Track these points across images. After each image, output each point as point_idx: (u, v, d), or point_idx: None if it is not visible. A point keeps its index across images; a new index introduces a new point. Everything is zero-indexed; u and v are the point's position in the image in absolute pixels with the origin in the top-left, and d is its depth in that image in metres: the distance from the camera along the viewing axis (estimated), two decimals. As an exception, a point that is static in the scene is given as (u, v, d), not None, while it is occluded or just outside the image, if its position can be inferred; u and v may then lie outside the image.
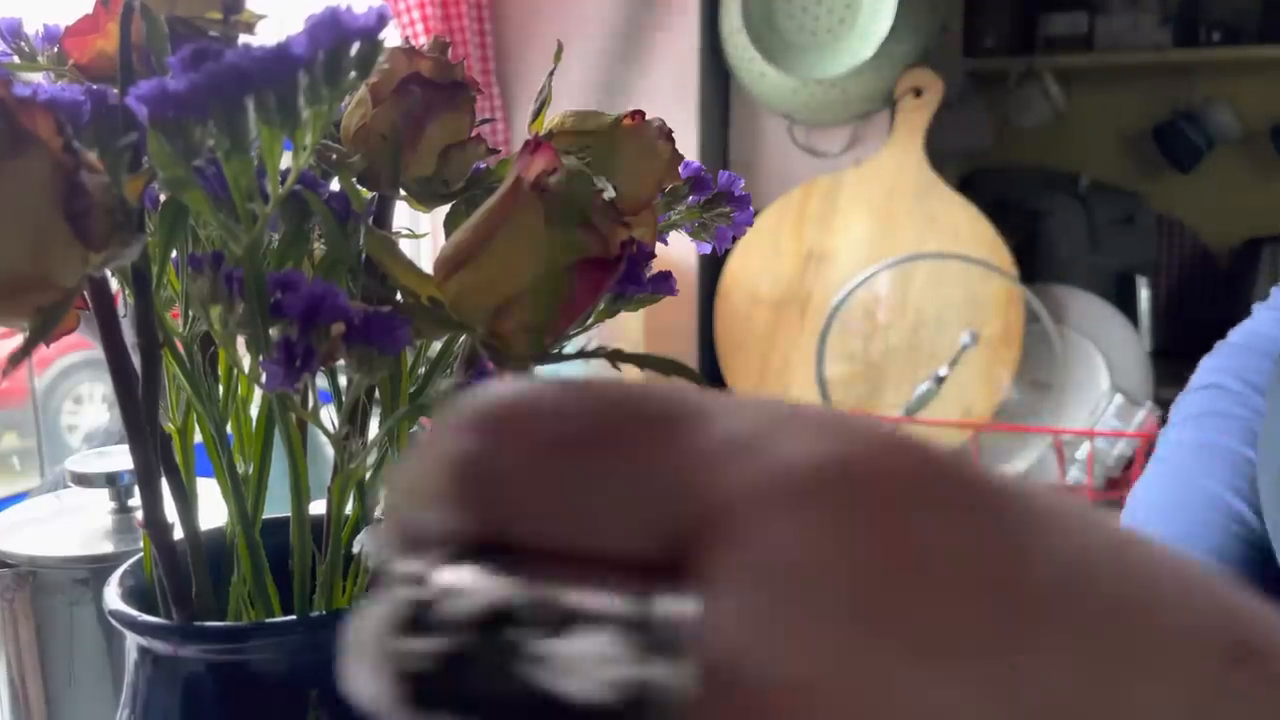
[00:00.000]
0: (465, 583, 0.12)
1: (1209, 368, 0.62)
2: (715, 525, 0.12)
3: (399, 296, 0.26)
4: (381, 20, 0.22)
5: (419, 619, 0.12)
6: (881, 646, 0.11)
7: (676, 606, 0.11)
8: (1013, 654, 0.12)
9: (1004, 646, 0.12)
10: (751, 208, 0.33)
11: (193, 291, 0.24)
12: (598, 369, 0.28)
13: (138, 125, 0.24)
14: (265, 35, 0.27)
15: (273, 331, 0.23)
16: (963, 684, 0.11)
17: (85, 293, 0.25)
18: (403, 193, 0.28)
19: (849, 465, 0.12)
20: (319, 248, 0.27)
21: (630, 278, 0.28)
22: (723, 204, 0.32)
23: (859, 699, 0.11)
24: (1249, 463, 0.54)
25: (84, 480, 0.52)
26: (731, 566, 0.12)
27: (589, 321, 0.29)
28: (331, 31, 0.22)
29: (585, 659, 0.11)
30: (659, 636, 0.11)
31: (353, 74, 0.22)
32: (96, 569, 0.49)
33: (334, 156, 0.27)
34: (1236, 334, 0.61)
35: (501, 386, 0.13)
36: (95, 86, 0.24)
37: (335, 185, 0.28)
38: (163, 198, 0.26)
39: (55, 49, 0.31)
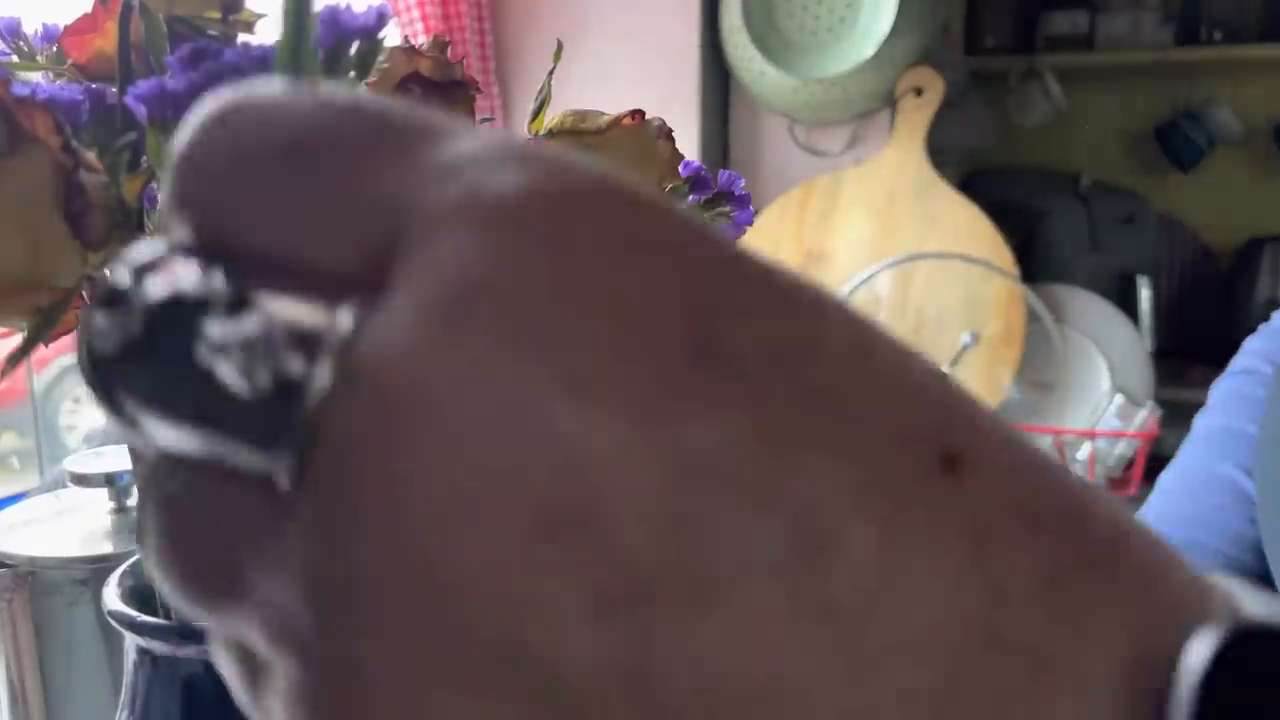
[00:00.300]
0: (169, 274, 0.12)
1: (1248, 351, 0.62)
2: (409, 239, 0.12)
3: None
4: (381, 19, 0.22)
5: (115, 300, 0.12)
6: (528, 374, 0.11)
7: (348, 313, 0.12)
8: (679, 418, 0.11)
9: (669, 408, 0.11)
10: (752, 207, 0.33)
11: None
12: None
13: (137, 125, 0.24)
14: (265, 34, 0.27)
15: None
16: (612, 435, 0.11)
17: (84, 292, 0.25)
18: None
19: (551, 196, 0.12)
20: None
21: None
22: (723, 203, 0.32)
23: (493, 418, 0.11)
24: None
25: (83, 480, 0.52)
26: (404, 275, 0.11)
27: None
28: (331, 30, 0.22)
29: (241, 346, 0.12)
30: (323, 337, 0.12)
31: (352, 73, 0.22)
32: (95, 569, 0.49)
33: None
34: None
35: (238, 88, 0.13)
36: (94, 86, 0.24)
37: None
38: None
39: (54, 48, 0.31)
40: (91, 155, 0.24)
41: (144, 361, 0.12)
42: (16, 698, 0.51)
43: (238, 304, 0.12)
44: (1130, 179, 2.11)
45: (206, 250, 0.13)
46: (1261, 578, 0.52)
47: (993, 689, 0.11)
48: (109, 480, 0.52)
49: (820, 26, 1.48)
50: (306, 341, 0.12)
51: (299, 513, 0.12)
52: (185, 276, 0.12)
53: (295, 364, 0.12)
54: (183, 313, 0.12)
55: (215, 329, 0.12)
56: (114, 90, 0.25)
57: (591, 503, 0.11)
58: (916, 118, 1.46)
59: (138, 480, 0.15)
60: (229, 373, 0.12)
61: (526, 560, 0.11)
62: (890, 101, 1.49)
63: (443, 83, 0.26)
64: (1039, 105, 2.02)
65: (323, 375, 0.11)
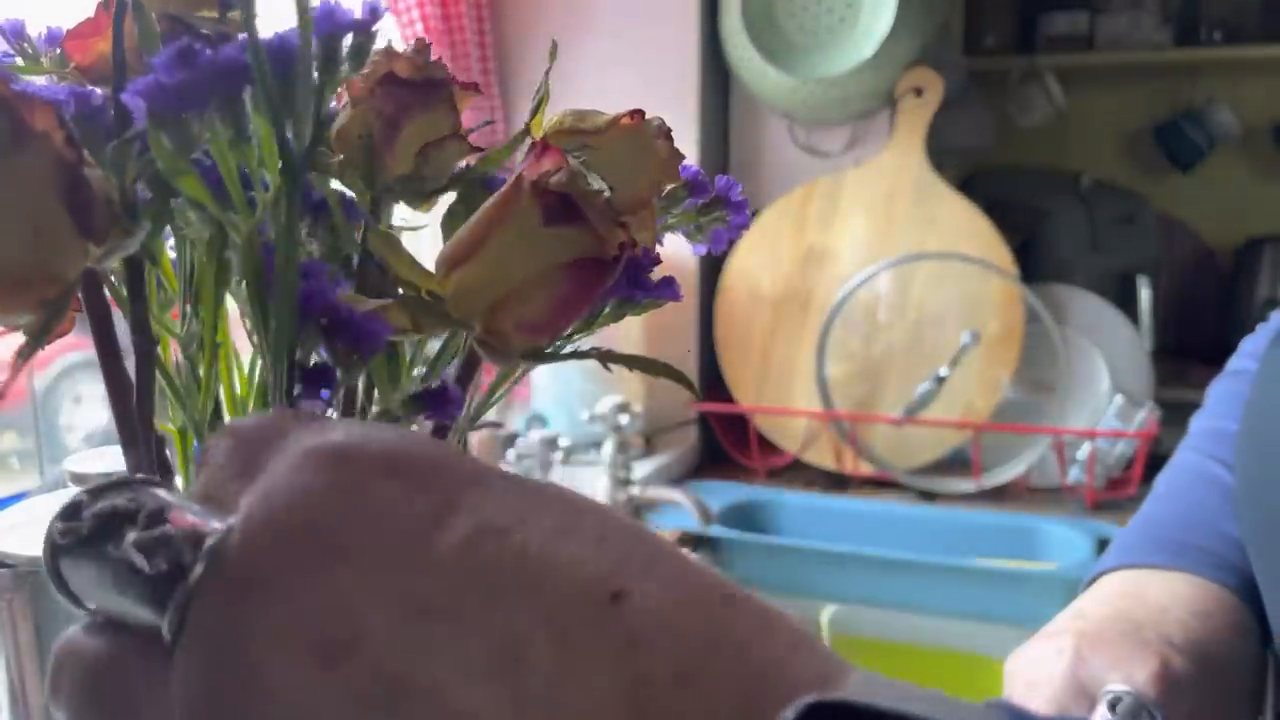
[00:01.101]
0: (110, 498, 0.20)
1: (1242, 351, 0.62)
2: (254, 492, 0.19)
3: (400, 291, 0.26)
4: (374, 14, 0.23)
5: (73, 512, 0.20)
6: (318, 561, 0.17)
7: (222, 525, 0.19)
8: (411, 576, 0.17)
9: (410, 572, 0.17)
10: (748, 211, 0.33)
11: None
12: (592, 368, 0.28)
13: (126, 124, 0.24)
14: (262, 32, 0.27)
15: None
16: (371, 593, 0.17)
17: (80, 293, 0.25)
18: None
19: (337, 447, 0.19)
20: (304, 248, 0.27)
21: (636, 283, 0.28)
22: (720, 208, 0.32)
23: (294, 593, 0.17)
24: None
25: (83, 480, 0.52)
26: (243, 509, 0.19)
27: (595, 324, 0.29)
28: (327, 24, 0.23)
29: (149, 544, 0.19)
30: (205, 539, 0.19)
31: (345, 66, 0.23)
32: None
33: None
34: (1277, 317, 0.61)
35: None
36: (79, 87, 0.24)
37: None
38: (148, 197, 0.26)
39: (58, 51, 0.31)
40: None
41: (87, 551, 0.19)
42: (16, 698, 0.51)
43: (154, 519, 0.19)
44: (1130, 179, 2.12)
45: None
46: (1249, 575, 0.52)
47: None
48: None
49: (820, 26, 1.48)
50: (195, 541, 0.18)
51: (177, 658, 0.18)
52: (121, 498, 0.19)
53: (187, 555, 0.18)
54: (115, 521, 0.19)
55: (132, 534, 0.19)
56: (100, 91, 0.25)
57: (355, 637, 0.17)
58: (916, 118, 1.46)
59: (57, 644, 0.20)
60: (138, 559, 0.18)
61: (318, 679, 0.17)
62: (890, 102, 1.49)
63: (418, 83, 0.26)
64: (1039, 105, 2.02)
65: (200, 565, 0.18)
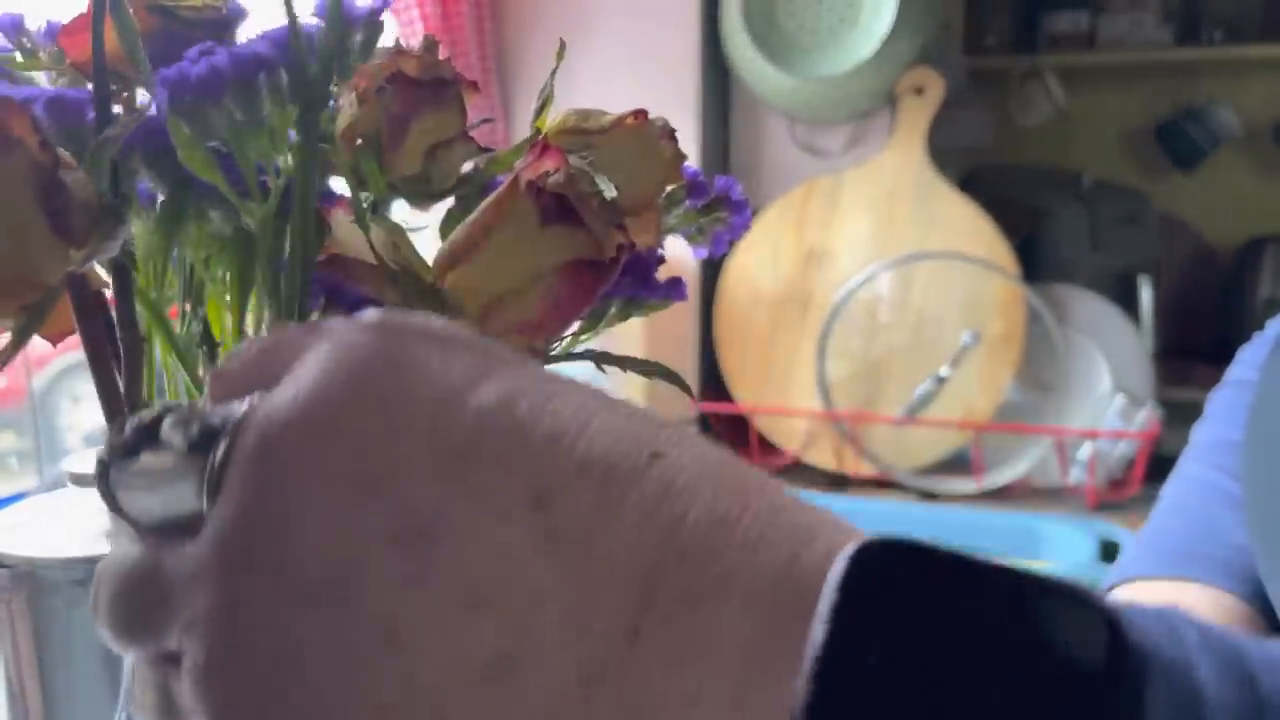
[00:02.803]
0: (147, 415, 0.20)
1: (1242, 360, 0.62)
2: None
3: (399, 284, 0.26)
4: (383, 4, 0.23)
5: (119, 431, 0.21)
6: (349, 416, 0.18)
7: (246, 404, 0.19)
8: (450, 429, 0.17)
9: (442, 426, 0.18)
10: (748, 211, 0.33)
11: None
12: (588, 370, 0.28)
13: (97, 124, 0.24)
14: (251, 28, 0.27)
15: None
16: (404, 443, 0.17)
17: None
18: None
19: (378, 318, 0.19)
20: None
21: (643, 284, 0.28)
22: (720, 209, 0.32)
23: (325, 438, 0.18)
24: None
25: (82, 480, 0.52)
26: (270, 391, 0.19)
27: (601, 325, 0.29)
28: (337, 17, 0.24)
29: (183, 420, 0.19)
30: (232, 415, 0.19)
31: (356, 56, 0.23)
32: (95, 569, 0.49)
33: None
34: (1274, 325, 0.61)
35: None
36: (49, 89, 0.24)
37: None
38: (161, 196, 0.26)
39: (55, 47, 0.31)
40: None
41: (131, 456, 0.20)
42: (16, 698, 0.51)
43: (190, 411, 0.20)
44: (1131, 179, 2.11)
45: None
46: (1260, 582, 0.52)
47: (679, 589, 0.16)
48: (108, 480, 0.52)
49: (820, 26, 1.47)
50: (225, 417, 0.19)
51: (209, 523, 0.18)
52: (163, 406, 0.20)
53: (219, 425, 0.19)
54: (156, 426, 0.20)
55: (167, 425, 0.19)
56: (71, 93, 0.25)
57: (383, 476, 0.17)
58: (917, 117, 1.46)
59: (99, 565, 0.21)
60: (177, 436, 0.19)
61: (346, 514, 0.17)
62: (891, 101, 1.48)
63: (427, 81, 0.26)
64: (1040, 105, 2.02)
65: (233, 425, 0.18)
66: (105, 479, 0.21)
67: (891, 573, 0.15)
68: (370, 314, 0.19)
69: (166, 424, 0.19)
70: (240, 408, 0.19)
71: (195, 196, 0.25)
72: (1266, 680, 0.16)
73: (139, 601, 0.19)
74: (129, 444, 0.20)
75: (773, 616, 0.16)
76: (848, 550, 0.16)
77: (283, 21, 0.23)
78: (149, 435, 0.20)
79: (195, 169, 0.23)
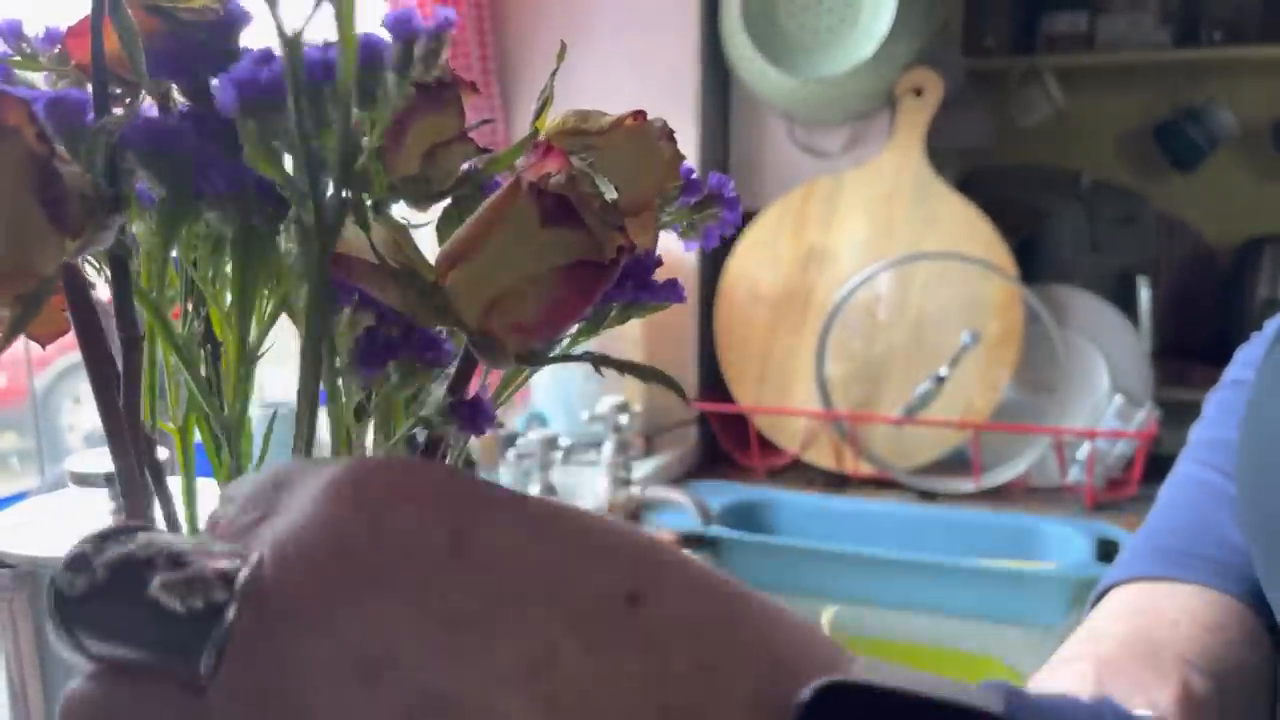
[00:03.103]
0: (120, 544, 0.19)
1: (1239, 361, 0.62)
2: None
3: (400, 283, 0.26)
4: (447, 22, 0.25)
5: (78, 562, 0.19)
6: (350, 587, 0.18)
7: (252, 563, 0.19)
8: (441, 594, 0.18)
9: (435, 586, 0.18)
10: (741, 209, 0.33)
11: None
12: (585, 371, 0.28)
13: (110, 113, 0.24)
14: (255, 33, 0.28)
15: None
16: (397, 612, 0.18)
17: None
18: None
19: (350, 478, 0.19)
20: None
21: (642, 286, 0.28)
22: (713, 205, 0.32)
23: (330, 620, 0.18)
24: None
25: (83, 480, 0.52)
26: (268, 546, 0.19)
27: (601, 327, 0.29)
28: (405, 28, 0.25)
29: (179, 584, 0.18)
30: (235, 577, 0.19)
31: (419, 68, 0.25)
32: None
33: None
34: (1272, 324, 0.61)
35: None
36: (37, 90, 0.24)
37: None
38: (159, 195, 0.26)
39: (57, 50, 0.31)
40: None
41: (104, 600, 0.19)
42: (17, 697, 0.51)
43: (175, 562, 0.19)
44: (1130, 179, 2.12)
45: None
46: (1257, 581, 0.52)
47: None
48: (109, 480, 0.52)
49: (820, 27, 1.48)
50: (225, 579, 0.18)
51: (215, 691, 0.18)
52: (136, 544, 0.19)
53: (219, 594, 0.18)
54: (131, 568, 0.19)
55: (164, 574, 0.19)
56: (72, 93, 0.25)
57: (391, 656, 0.17)
58: (916, 118, 1.46)
59: (64, 697, 0.20)
60: (170, 600, 0.18)
61: (359, 698, 0.17)
62: (890, 102, 1.49)
63: (429, 83, 0.26)
64: (1039, 105, 2.02)
65: (235, 602, 0.18)
66: (62, 617, 0.19)
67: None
68: (346, 470, 0.20)
69: (155, 585, 0.18)
70: (240, 574, 0.18)
71: (194, 197, 0.26)
72: None
73: None
74: (97, 586, 0.19)
75: None
76: (802, 696, 0.18)
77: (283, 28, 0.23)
78: (120, 578, 0.19)
79: (259, 166, 0.24)
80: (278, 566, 0.18)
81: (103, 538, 0.19)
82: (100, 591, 0.19)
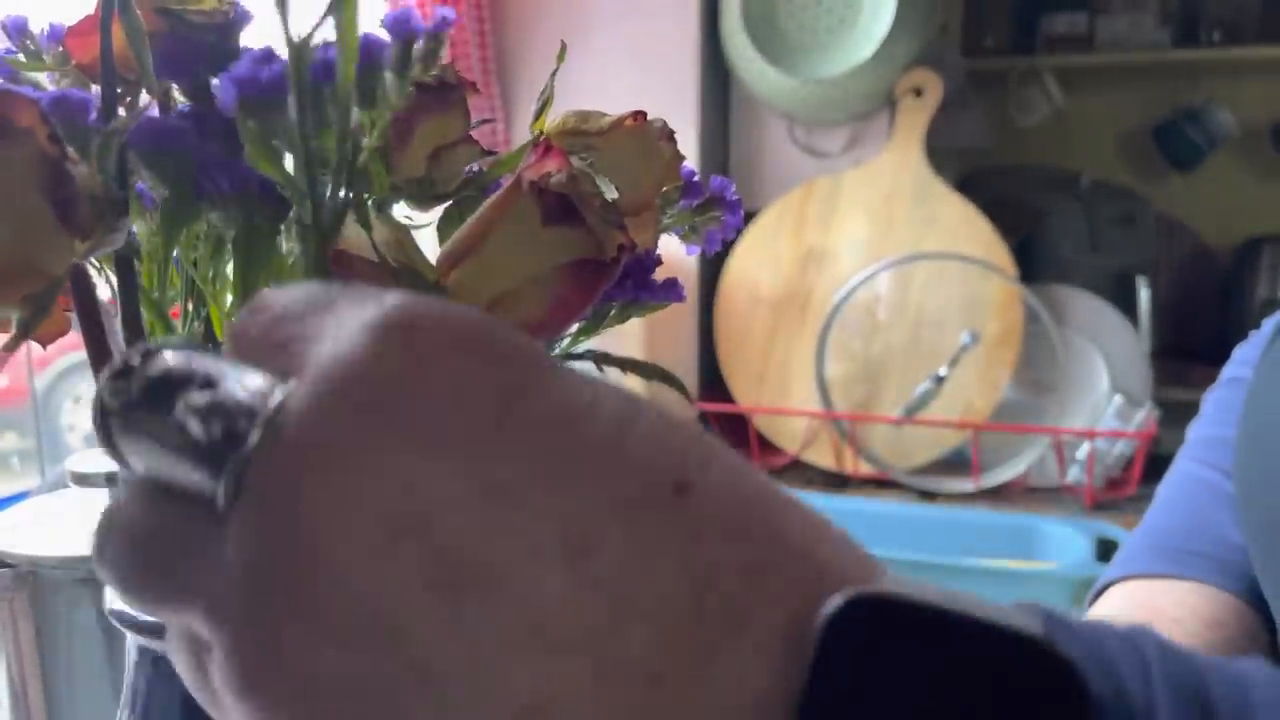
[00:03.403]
0: (162, 359, 0.19)
1: (1237, 359, 0.62)
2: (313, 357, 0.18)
3: (402, 282, 0.26)
4: (445, 22, 0.25)
5: (123, 372, 0.19)
6: (386, 434, 0.17)
7: (279, 395, 0.18)
8: (487, 461, 0.17)
9: (480, 454, 0.17)
10: (742, 211, 0.33)
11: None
12: (593, 367, 0.28)
13: (97, 122, 0.24)
14: (255, 33, 0.28)
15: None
16: (439, 471, 0.16)
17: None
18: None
19: (410, 316, 0.18)
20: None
21: (642, 285, 0.28)
22: (715, 208, 0.32)
23: (356, 460, 0.16)
24: None
25: (84, 480, 0.52)
26: (303, 373, 0.18)
27: (601, 326, 0.29)
28: (404, 28, 0.25)
29: (206, 408, 0.18)
30: (259, 409, 0.17)
31: (418, 67, 0.25)
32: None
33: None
34: (1269, 323, 0.62)
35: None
36: (41, 90, 0.25)
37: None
38: (158, 197, 0.26)
39: (60, 48, 0.31)
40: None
41: (139, 416, 0.18)
42: (18, 697, 0.51)
43: (208, 383, 0.18)
44: (1129, 179, 2.12)
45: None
46: (1255, 578, 0.52)
47: (701, 641, 0.17)
48: (110, 480, 0.52)
49: (820, 27, 1.48)
50: (250, 410, 0.17)
51: (232, 521, 0.17)
52: (174, 360, 0.19)
53: (242, 423, 0.17)
54: (166, 385, 0.18)
55: (190, 397, 0.18)
56: (75, 93, 0.25)
57: (422, 517, 0.16)
58: (916, 118, 1.46)
59: (105, 509, 0.20)
60: (195, 426, 0.18)
61: (381, 556, 0.16)
62: (890, 102, 1.49)
63: (432, 84, 0.27)
64: (1038, 106, 2.02)
65: (257, 431, 0.17)
66: (104, 425, 0.19)
67: (865, 632, 0.17)
68: (404, 307, 0.18)
69: (181, 407, 0.18)
70: (268, 402, 0.17)
71: (197, 197, 0.26)
72: (1224, 709, 0.17)
73: (153, 563, 0.18)
74: (134, 399, 0.18)
75: (784, 665, 0.17)
76: (830, 606, 0.17)
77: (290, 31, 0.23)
78: (155, 393, 0.18)
79: (260, 166, 0.24)
80: (313, 399, 0.17)
81: (151, 351, 0.19)
82: (135, 405, 0.18)
